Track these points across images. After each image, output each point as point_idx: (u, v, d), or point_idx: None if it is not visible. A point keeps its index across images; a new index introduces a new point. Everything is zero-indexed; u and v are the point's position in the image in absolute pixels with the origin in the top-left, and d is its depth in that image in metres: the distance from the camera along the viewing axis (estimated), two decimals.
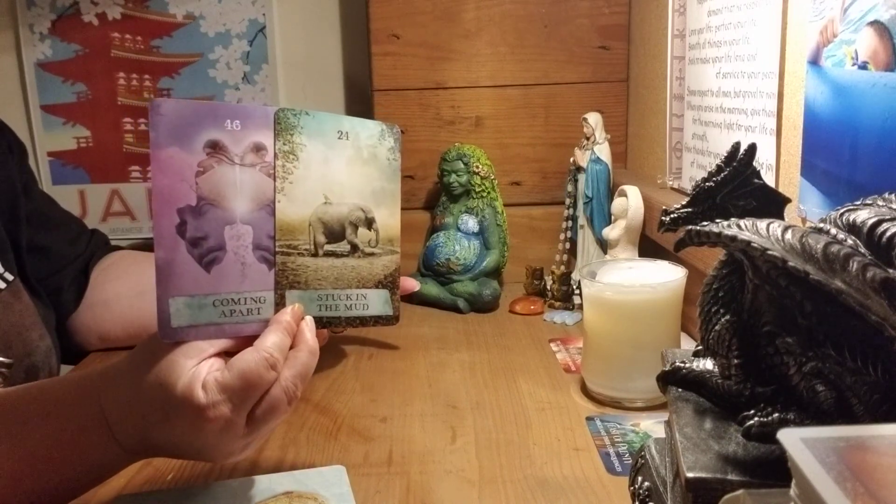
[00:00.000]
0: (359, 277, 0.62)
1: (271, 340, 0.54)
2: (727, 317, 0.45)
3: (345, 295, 0.61)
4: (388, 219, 0.63)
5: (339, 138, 0.60)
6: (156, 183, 0.53)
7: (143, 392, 0.54)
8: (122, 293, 0.93)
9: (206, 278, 0.54)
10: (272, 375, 0.54)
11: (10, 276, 0.81)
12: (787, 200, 0.48)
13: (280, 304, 0.58)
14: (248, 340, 0.55)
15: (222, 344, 0.55)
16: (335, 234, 0.60)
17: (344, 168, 0.61)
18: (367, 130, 0.62)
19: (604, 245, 1.11)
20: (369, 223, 0.62)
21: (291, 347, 0.56)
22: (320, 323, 0.59)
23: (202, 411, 0.52)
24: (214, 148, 0.54)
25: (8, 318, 0.78)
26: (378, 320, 0.63)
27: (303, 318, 0.58)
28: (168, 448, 0.56)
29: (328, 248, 0.60)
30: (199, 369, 0.53)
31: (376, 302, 0.63)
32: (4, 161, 0.88)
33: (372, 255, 0.63)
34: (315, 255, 0.59)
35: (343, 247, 0.61)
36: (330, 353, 0.96)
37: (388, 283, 0.64)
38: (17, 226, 0.86)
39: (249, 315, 0.56)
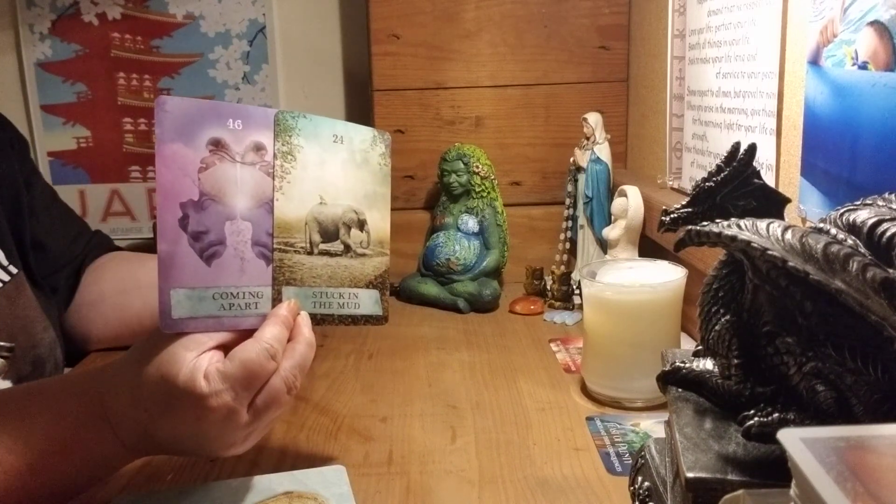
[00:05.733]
0: (351, 277, 0.63)
1: (270, 332, 0.56)
2: (727, 317, 0.45)
3: (338, 293, 0.63)
4: (379, 221, 0.65)
5: (334, 142, 0.62)
6: (160, 177, 0.54)
7: (144, 386, 0.54)
8: (105, 293, 0.93)
9: (207, 271, 0.56)
10: (272, 365, 0.55)
11: (14, 270, 0.81)
12: (787, 200, 0.48)
13: (277, 299, 0.59)
14: (246, 334, 0.56)
15: (221, 337, 0.56)
16: (329, 233, 0.62)
17: (338, 170, 0.62)
18: (361, 135, 0.64)
19: (604, 245, 1.11)
20: (361, 225, 0.64)
21: (289, 341, 0.58)
22: (314, 320, 0.61)
23: (204, 400, 0.53)
24: (217, 145, 0.56)
25: (12, 310, 0.79)
26: (368, 319, 0.65)
27: (299, 314, 0.59)
28: (169, 442, 0.56)
29: (323, 247, 0.62)
30: (199, 360, 0.54)
31: (367, 301, 0.65)
32: (6, 156, 0.88)
33: (363, 255, 0.64)
34: (310, 253, 0.61)
35: (337, 246, 0.63)
36: (330, 353, 0.96)
37: (378, 283, 0.65)
38: (20, 220, 0.86)
39: (247, 309, 0.57)
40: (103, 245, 1.00)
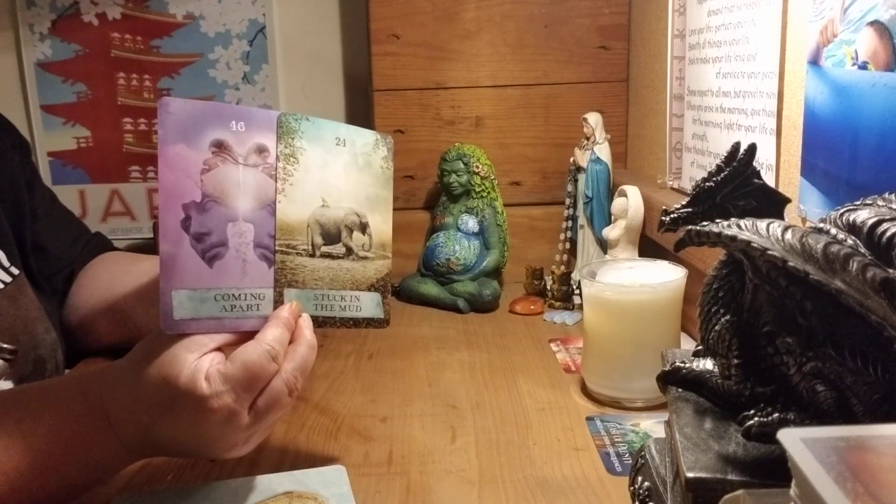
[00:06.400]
0: (353, 280, 0.63)
1: (272, 334, 0.56)
2: (727, 317, 0.45)
3: (339, 296, 0.63)
4: (381, 224, 0.65)
5: (336, 144, 0.62)
6: (162, 178, 0.54)
7: (145, 387, 0.54)
8: (96, 292, 0.91)
9: (209, 273, 0.56)
10: (274, 367, 0.55)
11: (15, 271, 0.82)
12: (787, 200, 0.48)
13: (279, 301, 0.59)
14: (247, 336, 0.56)
15: (222, 339, 0.56)
16: (331, 236, 0.62)
17: (341, 173, 0.62)
18: (363, 138, 0.64)
19: (604, 245, 1.11)
20: (363, 227, 0.64)
21: (290, 343, 0.58)
22: (316, 322, 0.61)
23: (205, 401, 0.53)
24: (220, 147, 0.56)
25: (14, 311, 0.79)
26: (370, 322, 0.65)
27: (300, 316, 0.59)
28: (170, 444, 0.56)
29: (325, 249, 0.62)
30: (201, 362, 0.54)
31: (369, 304, 0.65)
32: (8, 158, 0.88)
33: (365, 258, 0.64)
34: (312, 255, 0.61)
35: (339, 249, 0.62)
36: (330, 353, 0.96)
37: (380, 286, 0.65)
38: (22, 222, 0.87)
39: (249, 311, 0.57)
40: (101, 247, 0.99)
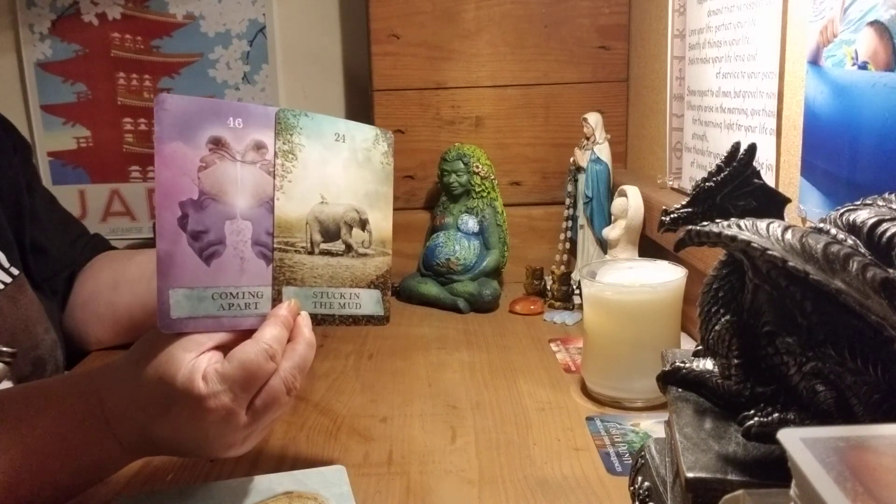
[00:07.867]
0: (352, 277, 0.63)
1: (270, 333, 0.55)
2: (727, 317, 0.45)
3: (339, 293, 0.62)
4: (381, 221, 0.65)
5: (335, 140, 0.62)
6: (159, 176, 0.54)
7: (142, 386, 0.54)
8: (96, 292, 0.93)
9: (206, 271, 0.55)
10: (272, 366, 0.55)
11: (15, 271, 0.82)
12: (787, 200, 0.48)
13: (277, 299, 0.59)
14: (246, 334, 0.56)
15: (220, 338, 0.56)
16: (331, 233, 0.62)
17: (340, 169, 0.62)
18: (363, 134, 0.64)
19: (604, 245, 1.11)
20: (363, 224, 0.64)
21: (289, 341, 0.57)
22: (315, 320, 0.60)
23: (202, 401, 0.53)
24: (217, 144, 0.55)
25: (14, 311, 0.79)
26: (370, 320, 0.65)
27: (299, 314, 0.59)
28: (168, 443, 0.56)
29: (324, 246, 0.61)
30: (198, 361, 0.54)
31: (368, 301, 0.64)
32: (9, 159, 0.88)
33: (365, 255, 0.64)
34: (311, 252, 0.61)
35: (338, 246, 0.62)
36: (330, 353, 0.96)
37: (380, 283, 0.65)
38: (21, 223, 0.87)
39: (247, 309, 0.57)
40: (99, 248, 1.00)
